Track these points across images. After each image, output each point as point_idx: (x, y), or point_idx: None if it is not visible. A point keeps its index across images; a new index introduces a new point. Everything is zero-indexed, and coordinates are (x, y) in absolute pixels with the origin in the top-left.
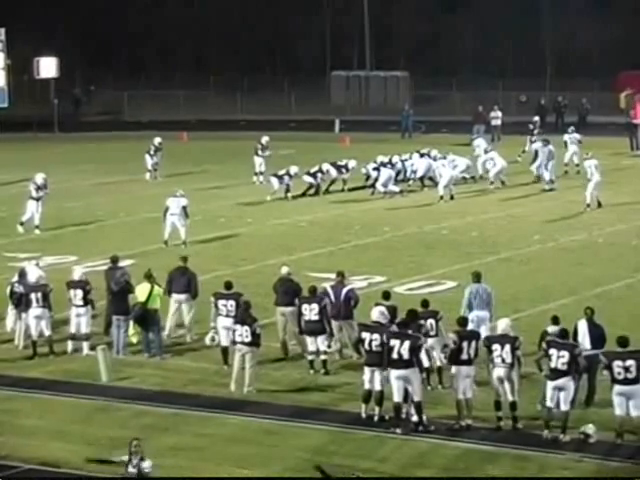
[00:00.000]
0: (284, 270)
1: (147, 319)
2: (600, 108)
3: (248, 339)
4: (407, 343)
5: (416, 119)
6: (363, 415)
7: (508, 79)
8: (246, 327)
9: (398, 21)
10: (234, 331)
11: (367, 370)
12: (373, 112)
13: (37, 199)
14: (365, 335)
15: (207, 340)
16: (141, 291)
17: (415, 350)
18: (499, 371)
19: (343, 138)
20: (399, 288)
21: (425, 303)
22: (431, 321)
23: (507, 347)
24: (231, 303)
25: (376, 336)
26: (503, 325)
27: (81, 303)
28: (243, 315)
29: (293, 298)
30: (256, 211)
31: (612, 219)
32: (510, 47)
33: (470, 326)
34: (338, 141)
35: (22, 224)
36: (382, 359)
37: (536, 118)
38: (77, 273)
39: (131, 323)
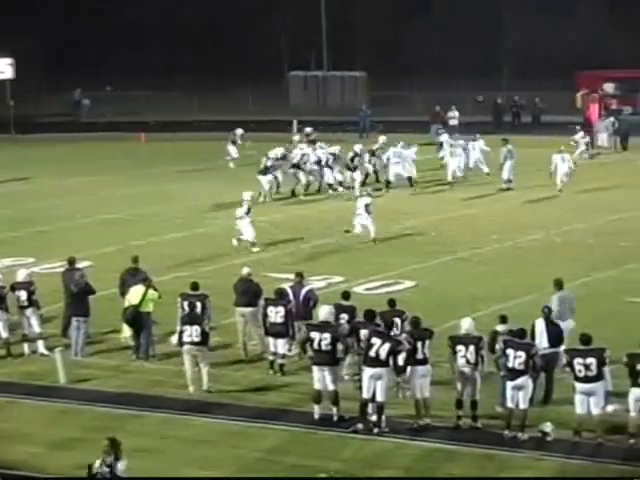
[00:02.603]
0: (244, 271)
1: (139, 322)
2: (558, 108)
3: (198, 339)
4: (387, 345)
5: (374, 119)
6: (316, 416)
7: (465, 79)
8: (195, 327)
9: (357, 22)
10: (182, 332)
11: (316, 370)
12: (331, 112)
13: None
14: (314, 335)
15: (173, 341)
16: (135, 294)
17: (393, 353)
18: (463, 371)
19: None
20: (358, 288)
21: (392, 302)
22: (397, 321)
23: (471, 347)
24: (197, 304)
25: (326, 335)
26: (466, 325)
27: (26, 304)
28: (192, 315)
29: (253, 299)
30: (215, 212)
31: (569, 218)
32: (467, 47)
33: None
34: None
35: None
36: (332, 358)
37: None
38: (21, 274)
39: (124, 325)
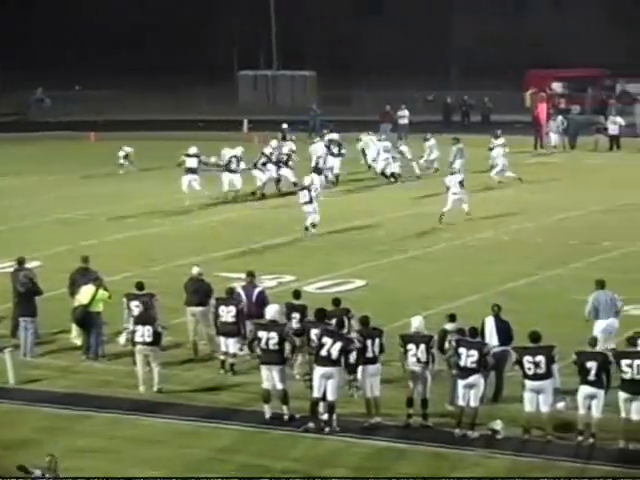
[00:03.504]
0: (195, 270)
1: (88, 322)
2: (507, 107)
3: (149, 339)
4: (339, 344)
5: (324, 118)
6: (267, 416)
7: (416, 79)
8: (147, 327)
9: (306, 21)
10: (134, 332)
11: (264, 369)
12: (281, 111)
13: None
14: (262, 334)
15: (121, 341)
16: (85, 293)
17: (345, 352)
18: (413, 369)
19: (251, 137)
20: (309, 287)
21: (337, 301)
22: (343, 319)
23: (422, 346)
24: (147, 303)
25: (273, 334)
26: (417, 323)
27: None
28: (143, 315)
29: (203, 298)
30: (166, 211)
31: (518, 217)
32: (418, 47)
33: (600, 336)
34: (246, 140)
35: None
36: (280, 357)
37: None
38: None
39: (73, 325)
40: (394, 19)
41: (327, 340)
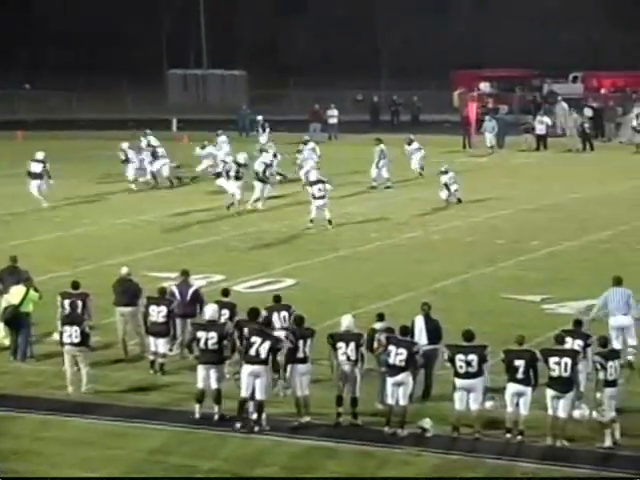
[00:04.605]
0: (123, 270)
1: (18, 322)
2: (435, 106)
3: (77, 339)
4: (267, 343)
5: (254, 118)
6: (197, 415)
7: (345, 78)
8: (75, 327)
9: (237, 21)
10: (62, 333)
11: (201, 368)
12: (211, 111)
13: None
14: (200, 334)
15: (55, 337)
16: (15, 293)
17: (273, 351)
18: (343, 368)
19: (181, 137)
20: (238, 286)
21: (277, 298)
22: (284, 314)
23: (352, 344)
24: (77, 303)
25: (212, 334)
26: (347, 322)
27: None
28: (71, 315)
29: (132, 298)
30: (93, 210)
31: (447, 216)
32: (347, 47)
33: (613, 334)
34: (176, 140)
35: None
36: (219, 357)
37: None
38: None
39: (1, 325)
40: (323, 18)
41: (256, 339)
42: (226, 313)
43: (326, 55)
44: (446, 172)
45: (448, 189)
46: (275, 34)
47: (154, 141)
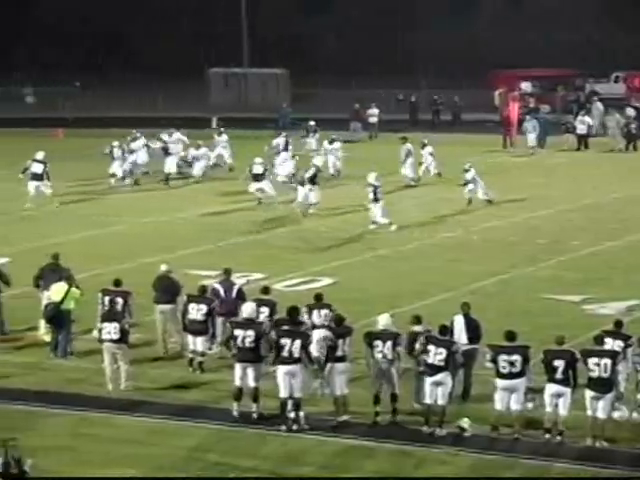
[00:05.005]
0: (163, 268)
1: (59, 319)
2: (476, 106)
3: (116, 336)
4: (298, 342)
5: (294, 117)
6: (235, 413)
7: (386, 77)
8: (114, 324)
9: (277, 19)
10: (101, 329)
11: (239, 367)
12: (251, 109)
13: None
14: (238, 332)
15: (95, 335)
16: (57, 291)
17: (305, 347)
18: (380, 366)
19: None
20: (278, 285)
21: (318, 296)
22: (325, 312)
23: (389, 343)
24: (119, 300)
25: (250, 332)
26: (384, 321)
27: None
28: (110, 312)
29: (172, 296)
30: (130, 208)
31: (486, 216)
32: (389, 45)
33: None
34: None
35: None
36: (256, 355)
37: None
38: None
39: (42, 322)
40: (365, 17)
41: (286, 340)
42: (266, 311)
43: (368, 53)
44: (468, 170)
45: (474, 186)
46: (316, 32)
47: (167, 137)
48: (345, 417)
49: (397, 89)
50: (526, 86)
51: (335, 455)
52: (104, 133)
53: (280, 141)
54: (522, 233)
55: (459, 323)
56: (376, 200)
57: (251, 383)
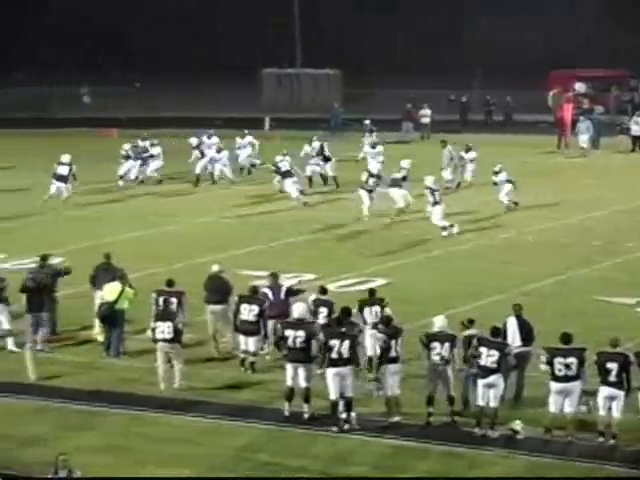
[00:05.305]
0: (215, 268)
1: (113, 319)
2: (529, 107)
3: (170, 336)
4: (347, 342)
5: (346, 117)
6: (286, 413)
7: (437, 78)
8: (168, 323)
9: (328, 19)
10: (155, 329)
11: (290, 367)
12: (304, 110)
13: None
14: (289, 332)
15: (149, 335)
16: (110, 290)
17: (353, 347)
18: (436, 368)
19: (273, 135)
20: (331, 286)
21: (371, 292)
22: (376, 309)
23: (446, 345)
24: (171, 300)
25: (300, 333)
26: (440, 322)
27: None
28: (164, 312)
29: (223, 296)
30: (180, 208)
31: (540, 217)
32: (440, 45)
33: None
34: (268, 139)
35: None
36: (307, 356)
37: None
38: None
39: (97, 321)
40: (415, 17)
41: (335, 342)
42: (324, 311)
43: (420, 53)
44: (499, 172)
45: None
46: (368, 32)
47: (206, 139)
48: (396, 418)
49: (449, 89)
50: (580, 87)
51: (386, 456)
52: (157, 133)
53: (316, 145)
54: (576, 234)
55: (512, 325)
56: (436, 203)
57: (302, 383)
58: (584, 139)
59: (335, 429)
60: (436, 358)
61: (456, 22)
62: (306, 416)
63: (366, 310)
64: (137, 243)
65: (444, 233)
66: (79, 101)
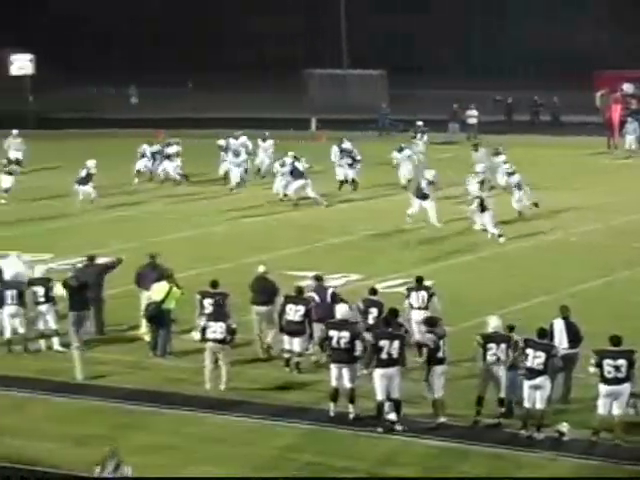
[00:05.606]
0: (261, 269)
1: (160, 318)
2: (576, 107)
3: (222, 336)
4: (396, 342)
5: (393, 118)
6: (331, 414)
7: (484, 78)
8: (220, 324)
9: (373, 19)
10: (206, 328)
11: (334, 367)
12: (350, 110)
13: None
14: (333, 333)
15: (195, 337)
16: (158, 290)
17: (402, 348)
18: (491, 368)
19: (319, 136)
20: (376, 286)
21: (419, 279)
22: (423, 294)
23: (502, 345)
24: (222, 300)
25: (345, 333)
26: (494, 323)
27: (43, 300)
28: (217, 312)
29: (269, 297)
30: (229, 209)
31: (585, 219)
32: (486, 46)
33: None
34: (314, 139)
35: None
36: (351, 356)
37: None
38: (38, 270)
39: (144, 321)
40: (461, 17)
41: (384, 342)
42: (374, 312)
43: (466, 54)
44: (512, 174)
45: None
46: (414, 32)
47: (233, 141)
48: (442, 419)
49: (494, 90)
50: (628, 87)
51: (432, 457)
52: (205, 134)
53: (346, 146)
54: (620, 236)
55: (559, 326)
56: (483, 210)
57: (347, 384)
58: (632, 140)
59: (380, 430)
60: (492, 359)
61: (502, 22)
62: (351, 417)
63: (413, 295)
64: (183, 243)
65: (501, 240)
66: (127, 102)
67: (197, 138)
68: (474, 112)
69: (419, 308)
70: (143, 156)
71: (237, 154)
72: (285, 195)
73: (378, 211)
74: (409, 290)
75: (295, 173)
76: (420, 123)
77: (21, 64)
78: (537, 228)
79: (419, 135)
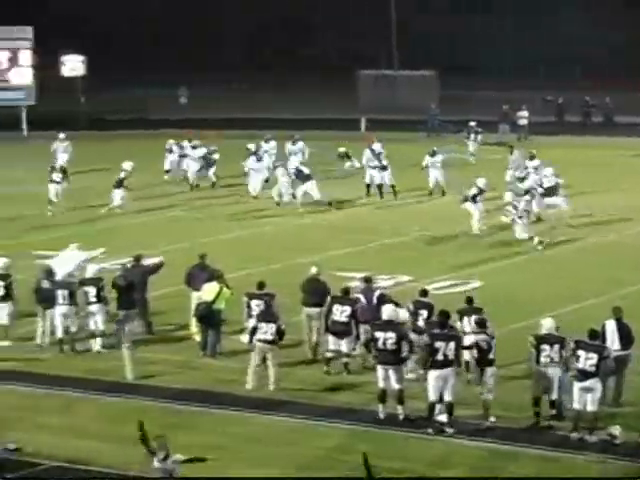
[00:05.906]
0: (313, 270)
1: (210, 319)
2: (630, 108)
3: (272, 337)
4: (452, 344)
5: (443, 119)
6: (381, 415)
7: (535, 79)
8: (271, 324)
9: (424, 20)
10: (256, 329)
11: (380, 369)
12: (400, 111)
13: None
14: (379, 334)
15: (244, 339)
16: (209, 290)
17: (458, 349)
18: (545, 370)
19: (369, 137)
20: (426, 287)
21: (469, 299)
22: (474, 317)
23: (556, 347)
24: (271, 302)
25: (391, 334)
26: (548, 324)
27: (94, 300)
28: (267, 313)
29: (321, 299)
30: (278, 210)
31: (636, 220)
32: (537, 46)
33: None
34: (364, 140)
35: None
36: (397, 357)
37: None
38: (90, 270)
39: (194, 321)
40: (512, 17)
41: (440, 344)
42: (424, 313)
43: (516, 54)
44: (524, 178)
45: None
46: (465, 33)
47: (263, 144)
48: (492, 420)
49: (544, 90)
50: None
51: (482, 458)
52: (253, 134)
53: (377, 147)
54: None
55: (611, 328)
56: (520, 217)
57: (395, 385)
58: None
59: (431, 431)
60: (546, 360)
61: (552, 21)
62: (400, 418)
63: (465, 319)
64: (234, 244)
65: (539, 247)
66: (176, 102)
67: (247, 139)
68: (525, 113)
69: (477, 331)
70: (170, 151)
71: (259, 159)
72: (280, 197)
73: (427, 213)
74: (461, 314)
75: (300, 176)
76: (473, 123)
77: (73, 65)
78: (582, 231)
79: (472, 135)
